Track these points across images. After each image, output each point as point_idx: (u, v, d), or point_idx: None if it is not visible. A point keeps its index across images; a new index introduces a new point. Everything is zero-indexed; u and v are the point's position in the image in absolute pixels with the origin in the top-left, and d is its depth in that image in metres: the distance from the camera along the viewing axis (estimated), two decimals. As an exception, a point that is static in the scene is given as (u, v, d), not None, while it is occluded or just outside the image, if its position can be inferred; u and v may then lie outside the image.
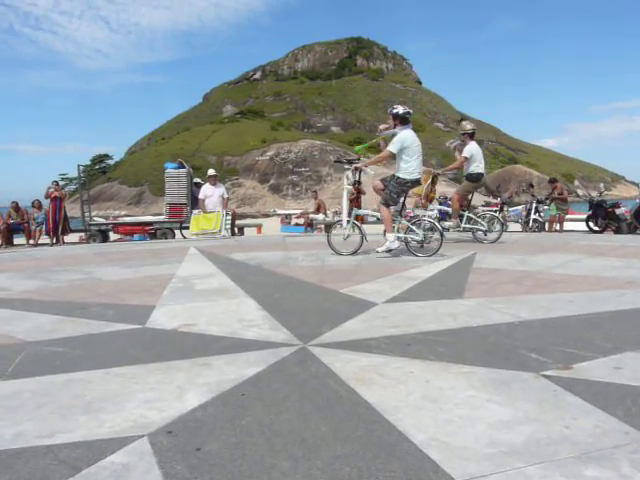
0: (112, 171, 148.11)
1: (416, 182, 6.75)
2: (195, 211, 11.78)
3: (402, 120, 6.73)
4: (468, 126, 8.97)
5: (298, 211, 60.19)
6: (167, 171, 13.12)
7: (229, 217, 11.11)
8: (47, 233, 12.71)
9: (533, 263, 5.68)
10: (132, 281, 5.16)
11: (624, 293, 3.99)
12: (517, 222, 14.08)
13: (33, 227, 13.54)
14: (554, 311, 3.42)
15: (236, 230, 12.14)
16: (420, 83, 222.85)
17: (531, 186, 17.06)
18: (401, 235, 6.62)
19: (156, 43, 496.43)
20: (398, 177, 6.54)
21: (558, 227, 12.69)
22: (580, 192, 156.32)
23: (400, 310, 3.55)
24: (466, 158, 8.31)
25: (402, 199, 6.73)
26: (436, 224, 6.74)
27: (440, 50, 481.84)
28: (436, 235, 6.65)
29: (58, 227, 12.57)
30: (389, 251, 6.50)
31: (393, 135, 6.77)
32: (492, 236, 8.20)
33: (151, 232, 13.11)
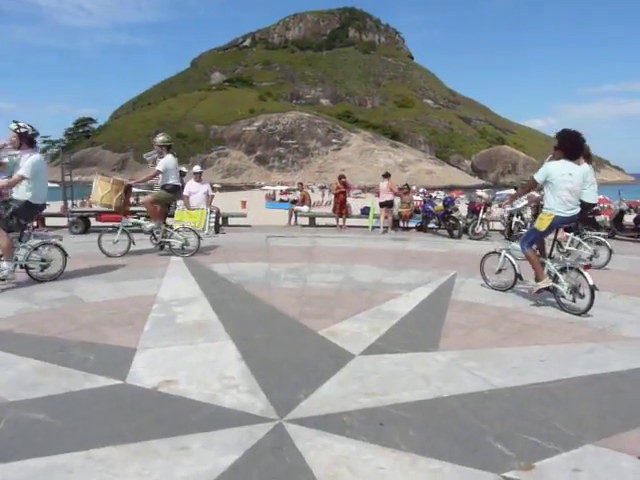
0: (96, 135, 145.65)
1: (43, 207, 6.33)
2: (179, 207, 11.70)
3: (29, 142, 6.07)
4: (160, 138, 8.95)
5: (283, 187, 60.21)
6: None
7: (213, 215, 11.08)
8: None
9: (514, 297, 5.80)
10: (114, 305, 5.18)
11: (593, 348, 4.13)
12: (499, 221, 14.20)
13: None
14: (525, 375, 3.54)
15: (220, 222, 12.11)
16: (412, 58, 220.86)
17: (515, 189, 17.15)
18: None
19: (143, 2, 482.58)
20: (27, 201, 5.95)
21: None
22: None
23: (376, 368, 3.65)
24: (159, 171, 8.48)
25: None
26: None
27: (432, 25, 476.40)
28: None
29: None
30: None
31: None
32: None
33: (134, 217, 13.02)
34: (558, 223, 5.42)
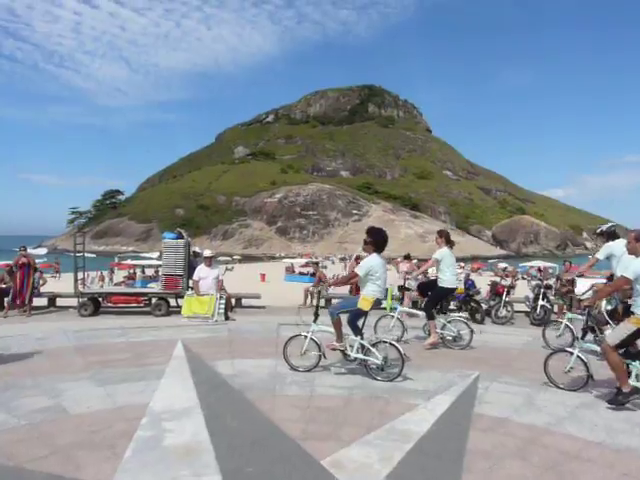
0: (122, 206, 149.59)
1: None
2: (188, 292, 11.40)
3: None
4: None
5: (303, 260, 60.10)
6: (165, 241, 12.80)
7: (223, 301, 10.70)
8: (12, 301, 12.31)
9: (542, 407, 5.17)
10: (99, 419, 4.70)
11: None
12: (524, 303, 13.53)
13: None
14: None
15: (233, 305, 11.71)
16: (430, 131, 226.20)
17: (539, 271, 16.52)
18: None
19: (173, 83, 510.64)
20: None
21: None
22: (589, 245, 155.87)
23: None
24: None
25: None
26: None
27: (450, 100, 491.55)
28: None
29: (26, 296, 12.23)
30: None
31: None
32: None
33: (146, 302, 12.74)
34: (376, 305, 6.54)
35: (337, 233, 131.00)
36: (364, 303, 6.44)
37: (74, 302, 12.73)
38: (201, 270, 11.12)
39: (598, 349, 5.77)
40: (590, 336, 6.46)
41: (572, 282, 12.43)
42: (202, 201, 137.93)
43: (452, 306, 13.53)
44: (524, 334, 9.86)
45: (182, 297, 11.95)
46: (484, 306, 12.28)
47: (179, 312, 11.50)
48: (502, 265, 58.06)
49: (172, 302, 12.98)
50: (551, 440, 4.34)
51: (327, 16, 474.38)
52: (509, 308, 12.15)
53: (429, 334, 8.38)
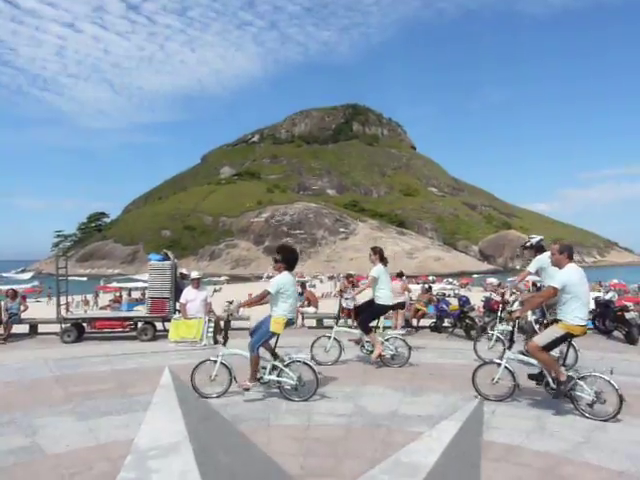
0: (108, 229, 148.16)
1: None
2: (175, 315, 10.99)
3: None
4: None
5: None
6: (150, 263, 12.39)
7: (212, 324, 10.32)
8: None
9: (554, 432, 4.87)
10: (78, 458, 4.32)
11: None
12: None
13: (4, 319, 12.69)
14: None
15: (219, 333, 11.30)
16: (414, 148, 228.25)
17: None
18: None
19: (157, 105, 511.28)
20: None
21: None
22: (575, 258, 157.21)
23: None
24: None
25: None
26: None
27: (433, 118, 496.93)
28: None
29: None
30: None
31: None
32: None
33: (131, 327, 12.29)
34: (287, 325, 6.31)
35: (324, 252, 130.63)
36: (276, 326, 6.17)
37: (57, 328, 12.25)
38: (188, 292, 10.73)
39: (525, 358, 5.93)
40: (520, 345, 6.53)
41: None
42: (188, 222, 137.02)
43: (446, 323, 13.28)
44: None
45: (169, 321, 11.53)
46: (479, 322, 12.02)
47: (166, 336, 11.08)
48: (491, 280, 58.25)
49: (159, 326, 12.55)
50: (571, 470, 4.04)
51: (310, 37, 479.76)
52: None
53: (370, 352, 8.12)
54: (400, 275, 12.86)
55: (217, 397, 6.12)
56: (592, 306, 18.44)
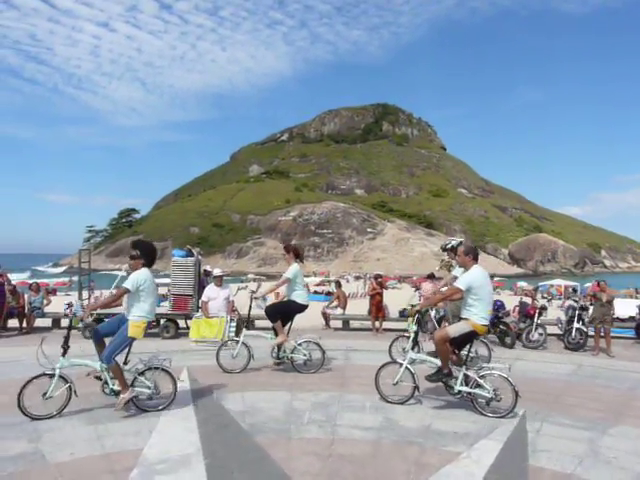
0: (138, 225, 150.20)
1: None
2: (196, 314, 10.66)
3: None
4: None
5: (317, 279, 59.28)
6: (173, 259, 12.12)
7: (234, 323, 9.94)
8: None
9: (611, 459, 4.31)
10: (82, 470, 3.96)
11: None
12: (556, 325, 12.57)
13: (27, 312, 12.61)
14: None
15: (245, 323, 10.94)
16: (444, 149, 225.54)
17: (574, 291, 15.50)
18: None
19: (188, 103, 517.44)
20: None
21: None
22: (608, 263, 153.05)
23: None
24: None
25: None
26: None
27: (464, 118, 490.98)
28: None
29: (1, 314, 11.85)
30: None
31: None
32: None
33: (153, 324, 12.04)
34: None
35: (352, 251, 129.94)
36: (135, 330, 5.49)
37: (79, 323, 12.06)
38: (210, 290, 10.37)
39: (426, 358, 6.08)
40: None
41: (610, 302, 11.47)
42: (217, 220, 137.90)
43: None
44: (565, 361, 8.96)
45: (191, 318, 11.23)
46: (514, 328, 11.40)
47: (188, 334, 10.77)
48: (521, 284, 56.82)
49: (181, 323, 12.27)
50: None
51: (339, 36, 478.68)
52: (541, 331, 11.25)
53: (276, 352, 7.73)
54: (431, 277, 12.29)
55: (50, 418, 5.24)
56: (633, 313, 17.57)
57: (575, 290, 15.87)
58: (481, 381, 5.51)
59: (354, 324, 13.85)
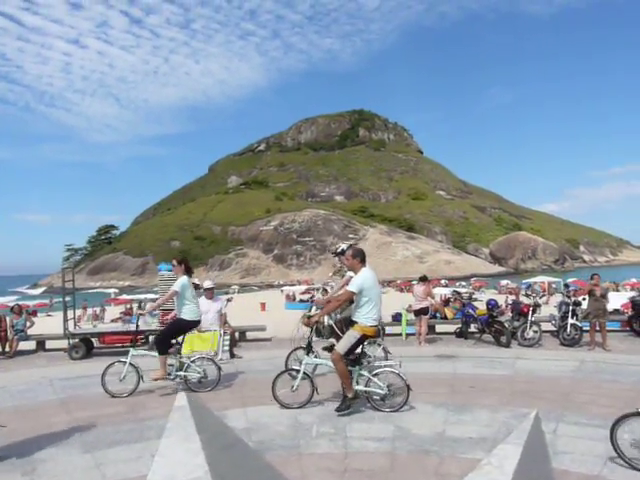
0: (117, 241, 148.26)
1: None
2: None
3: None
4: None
5: (303, 287, 58.97)
6: (160, 273, 11.83)
7: (227, 337, 9.68)
8: None
9: (634, 459, 4.18)
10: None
11: None
12: (550, 322, 12.54)
13: (10, 335, 12.17)
14: None
15: (234, 347, 10.68)
16: (421, 152, 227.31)
17: (566, 286, 15.48)
18: None
19: (163, 117, 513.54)
20: None
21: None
22: (587, 258, 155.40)
23: None
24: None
25: None
26: None
27: (438, 121, 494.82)
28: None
29: None
30: None
31: None
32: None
33: (142, 341, 11.70)
34: None
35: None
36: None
37: (65, 344, 11.69)
38: (202, 303, 10.08)
39: (322, 361, 6.27)
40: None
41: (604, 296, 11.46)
42: (198, 232, 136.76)
43: (473, 329, 12.58)
44: (566, 357, 8.87)
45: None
46: (509, 327, 11.33)
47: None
48: (503, 283, 57.23)
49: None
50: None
51: (312, 45, 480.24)
52: (536, 329, 11.19)
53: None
54: (423, 279, 12.16)
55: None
56: (617, 306, 17.68)
57: (567, 285, 15.84)
58: (374, 379, 5.73)
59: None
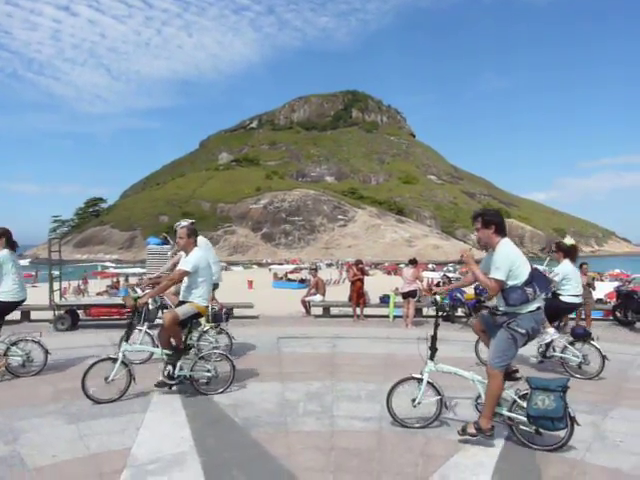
0: (105, 214, 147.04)
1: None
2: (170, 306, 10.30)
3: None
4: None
5: (291, 266, 59.07)
6: (149, 247, 11.70)
7: (215, 311, 9.60)
8: None
9: (619, 444, 4.21)
10: (65, 474, 3.65)
11: None
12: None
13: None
14: None
15: (224, 320, 10.63)
16: (413, 136, 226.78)
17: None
18: None
19: (155, 90, 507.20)
20: None
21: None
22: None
23: None
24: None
25: None
26: None
27: (432, 105, 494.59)
28: None
29: None
30: None
31: None
32: None
33: (129, 314, 11.62)
34: None
35: (323, 239, 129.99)
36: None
37: (50, 315, 11.57)
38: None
39: (142, 347, 6.38)
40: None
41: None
42: (186, 208, 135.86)
43: (460, 313, 12.65)
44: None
45: (167, 308, 10.84)
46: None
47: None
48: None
49: (159, 313, 11.88)
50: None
51: (307, 23, 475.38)
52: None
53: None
54: (413, 262, 12.16)
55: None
56: (601, 295, 17.78)
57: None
58: (201, 362, 5.64)
59: (334, 311, 13.67)
